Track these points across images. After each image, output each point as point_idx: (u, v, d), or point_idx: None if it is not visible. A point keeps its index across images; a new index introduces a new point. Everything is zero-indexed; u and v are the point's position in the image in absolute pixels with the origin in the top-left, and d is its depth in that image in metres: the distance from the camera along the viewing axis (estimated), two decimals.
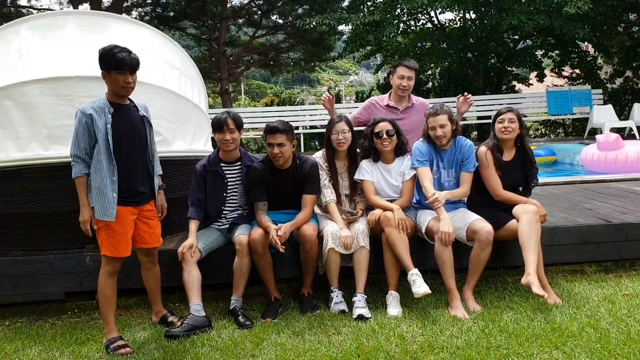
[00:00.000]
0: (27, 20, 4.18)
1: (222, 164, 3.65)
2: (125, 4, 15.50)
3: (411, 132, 3.97)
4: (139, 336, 3.20)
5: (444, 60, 14.99)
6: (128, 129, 3.02)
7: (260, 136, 12.82)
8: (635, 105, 11.66)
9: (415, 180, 3.67)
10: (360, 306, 3.30)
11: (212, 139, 4.02)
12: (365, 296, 3.39)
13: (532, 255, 3.26)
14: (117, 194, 2.94)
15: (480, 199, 3.69)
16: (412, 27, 14.62)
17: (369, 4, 13.59)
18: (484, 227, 3.36)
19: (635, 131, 11.02)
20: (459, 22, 14.56)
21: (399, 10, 12.79)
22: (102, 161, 2.91)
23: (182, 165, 4.09)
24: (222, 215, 3.69)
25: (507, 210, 3.56)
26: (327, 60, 18.84)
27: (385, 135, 3.65)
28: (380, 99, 4.39)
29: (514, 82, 16.34)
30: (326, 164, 3.75)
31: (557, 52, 15.17)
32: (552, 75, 16.44)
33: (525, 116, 12.41)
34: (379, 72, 19.33)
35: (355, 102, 16.28)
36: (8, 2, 14.99)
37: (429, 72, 16.21)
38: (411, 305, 3.40)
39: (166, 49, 4.47)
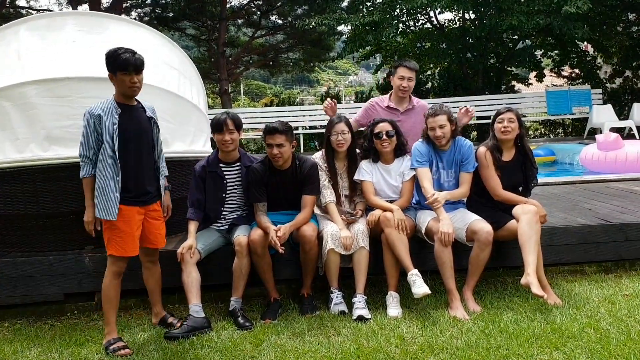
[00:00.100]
0: (26, 21, 4.18)
1: (221, 165, 3.65)
2: (124, 5, 15.50)
3: (411, 133, 3.95)
4: (138, 337, 3.19)
5: (443, 61, 14.99)
6: (135, 130, 3.04)
7: (259, 136, 12.82)
8: (635, 105, 11.67)
9: (415, 181, 3.66)
10: (360, 307, 3.29)
11: (212, 139, 4.02)
12: (365, 297, 3.39)
13: (531, 256, 3.26)
14: (119, 193, 2.96)
15: (479, 200, 3.69)
16: (412, 28, 14.61)
17: (368, 4, 13.58)
18: (484, 227, 3.36)
19: (635, 131, 11.03)
20: (458, 22, 14.55)
21: (398, 11, 12.80)
22: (107, 161, 2.94)
23: (182, 166, 4.09)
24: (222, 216, 3.68)
25: (506, 210, 3.56)
26: (327, 61, 18.85)
27: (385, 136, 3.64)
28: (380, 100, 4.38)
29: (514, 82, 16.33)
30: (326, 165, 3.74)
31: (556, 52, 15.17)
32: (551, 75, 16.44)
33: (524, 116, 12.43)
34: (379, 72, 19.33)
35: (354, 102, 16.29)
36: (7, 2, 14.98)
37: (428, 72, 16.20)
38: (411, 306, 3.39)
39: (165, 50, 4.46)
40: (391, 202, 3.62)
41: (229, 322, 3.32)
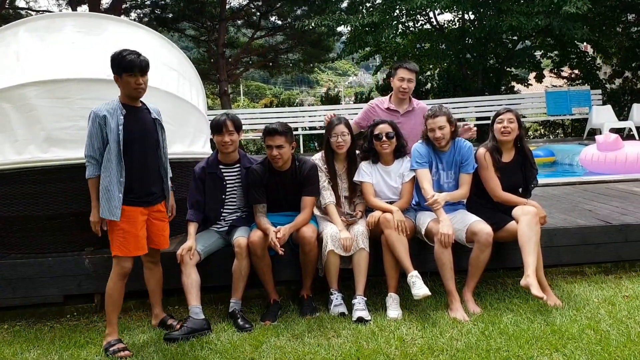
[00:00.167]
0: (25, 22, 4.17)
1: (220, 166, 3.64)
2: (123, 6, 15.51)
3: (411, 135, 3.94)
4: (138, 339, 3.19)
5: (442, 61, 15.00)
6: (140, 131, 3.05)
7: (259, 137, 12.81)
8: (635, 105, 11.67)
9: (415, 182, 3.66)
10: (360, 308, 3.29)
11: (211, 140, 4.02)
12: (365, 298, 3.38)
13: (531, 257, 3.25)
14: (122, 194, 2.97)
15: (479, 201, 3.69)
16: (411, 28, 14.62)
17: (367, 5, 13.59)
18: (484, 228, 3.36)
19: (635, 131, 11.03)
20: (457, 23, 14.55)
21: (397, 12, 12.80)
22: (112, 161, 2.95)
23: (181, 167, 4.08)
24: (221, 218, 3.68)
25: (506, 211, 3.56)
26: (326, 62, 18.88)
27: (384, 138, 3.64)
28: (380, 102, 4.38)
29: (513, 83, 16.35)
30: (325, 166, 3.74)
31: (556, 52, 15.18)
32: (551, 76, 16.45)
33: (524, 117, 12.44)
34: (378, 73, 19.36)
35: (354, 103, 16.28)
36: (6, 3, 14.98)
37: (428, 73, 16.22)
38: (411, 307, 3.39)
39: (164, 51, 4.46)
40: (391, 203, 3.62)
41: (228, 323, 3.32)
